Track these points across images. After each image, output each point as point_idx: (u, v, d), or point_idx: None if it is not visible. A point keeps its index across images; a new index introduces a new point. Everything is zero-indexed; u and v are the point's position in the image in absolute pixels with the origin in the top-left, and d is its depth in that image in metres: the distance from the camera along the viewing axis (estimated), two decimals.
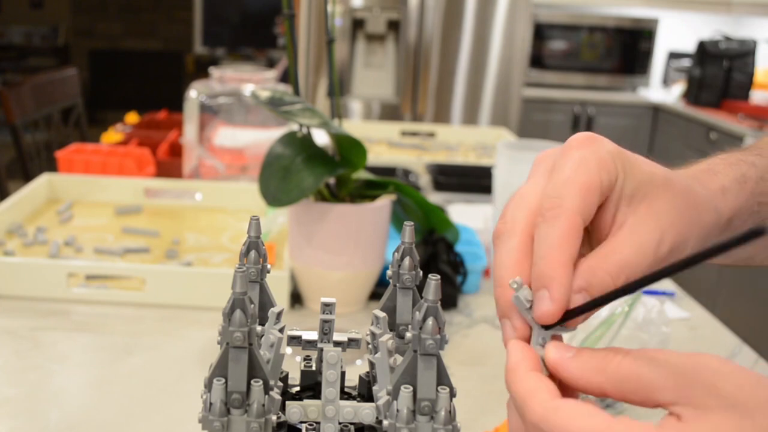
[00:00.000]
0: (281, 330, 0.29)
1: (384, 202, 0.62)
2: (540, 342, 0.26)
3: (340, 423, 0.28)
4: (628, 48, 2.58)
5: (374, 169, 0.68)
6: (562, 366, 0.24)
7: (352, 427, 0.28)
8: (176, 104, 1.26)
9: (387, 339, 0.28)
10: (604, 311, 0.50)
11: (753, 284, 1.81)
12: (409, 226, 0.29)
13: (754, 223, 0.32)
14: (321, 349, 0.30)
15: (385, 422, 0.26)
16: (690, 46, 2.67)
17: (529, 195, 0.28)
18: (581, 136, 0.28)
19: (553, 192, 0.26)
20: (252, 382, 0.25)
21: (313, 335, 0.30)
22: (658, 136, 2.52)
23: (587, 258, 0.26)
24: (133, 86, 4.54)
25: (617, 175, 0.27)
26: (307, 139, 0.61)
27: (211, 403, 0.25)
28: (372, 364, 0.29)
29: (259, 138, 0.96)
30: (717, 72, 2.36)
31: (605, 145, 0.27)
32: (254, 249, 0.30)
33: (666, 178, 0.28)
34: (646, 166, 0.28)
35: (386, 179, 0.64)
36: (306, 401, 0.29)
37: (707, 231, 0.29)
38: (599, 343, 0.48)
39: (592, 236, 0.28)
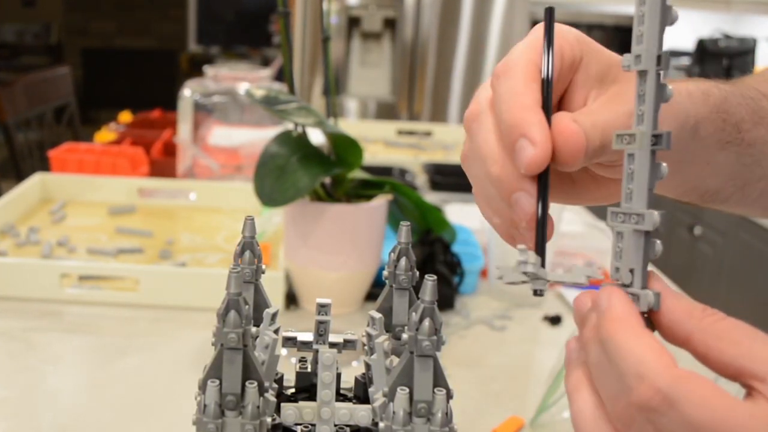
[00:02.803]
0: (276, 331, 0.29)
1: (380, 202, 0.62)
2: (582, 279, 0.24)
3: (335, 425, 0.28)
4: (627, 46, 2.55)
5: (370, 169, 0.67)
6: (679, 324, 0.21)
7: (347, 429, 0.28)
8: (170, 103, 1.25)
9: (383, 340, 0.28)
10: None
11: (752, 284, 1.82)
12: (405, 226, 0.29)
13: (719, 139, 0.30)
14: (316, 351, 0.30)
15: (381, 424, 0.26)
16: (689, 44, 2.68)
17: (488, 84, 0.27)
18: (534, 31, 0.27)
19: (509, 56, 0.26)
20: (247, 383, 0.25)
21: (308, 336, 0.30)
22: None
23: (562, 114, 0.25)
24: (127, 85, 4.52)
25: (581, 53, 0.27)
26: (303, 139, 0.61)
27: (205, 405, 0.25)
28: (368, 366, 0.29)
29: (254, 137, 0.95)
30: (716, 70, 2.37)
31: (568, 28, 0.27)
32: (249, 249, 0.30)
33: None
34: (612, 54, 0.28)
35: (382, 179, 0.63)
36: (301, 403, 0.29)
37: (677, 126, 0.28)
38: None
39: None
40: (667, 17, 0.23)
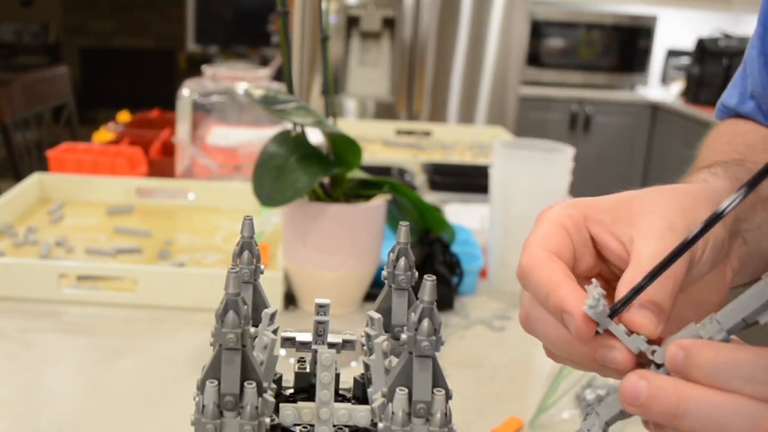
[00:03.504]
0: (275, 331, 0.29)
1: (379, 202, 0.62)
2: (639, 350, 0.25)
3: (334, 425, 0.28)
4: (626, 46, 2.58)
5: (369, 169, 0.67)
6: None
7: (346, 430, 0.28)
8: (169, 103, 1.25)
9: (382, 340, 0.28)
10: None
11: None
12: (404, 226, 0.29)
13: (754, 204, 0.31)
14: (315, 351, 0.29)
15: (380, 425, 0.26)
16: (689, 43, 2.68)
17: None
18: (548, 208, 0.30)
19: (524, 258, 0.29)
20: (245, 384, 0.25)
21: (307, 337, 0.30)
22: (656, 134, 2.53)
23: (622, 276, 0.27)
24: (125, 84, 4.51)
25: (580, 215, 0.28)
26: (302, 138, 0.60)
27: (203, 406, 0.25)
28: (367, 366, 0.29)
29: (253, 137, 0.95)
30: (716, 70, 2.37)
31: (560, 204, 0.29)
32: (247, 249, 0.30)
33: (640, 192, 0.29)
34: (611, 197, 0.29)
35: (381, 179, 0.63)
36: (300, 403, 0.29)
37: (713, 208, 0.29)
38: None
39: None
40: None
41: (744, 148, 0.38)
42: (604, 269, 0.29)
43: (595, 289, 0.25)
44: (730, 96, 0.44)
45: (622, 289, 0.26)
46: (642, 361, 0.25)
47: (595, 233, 0.29)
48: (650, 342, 0.25)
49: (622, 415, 0.25)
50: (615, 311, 0.25)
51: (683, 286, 0.27)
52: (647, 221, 0.27)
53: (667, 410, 0.22)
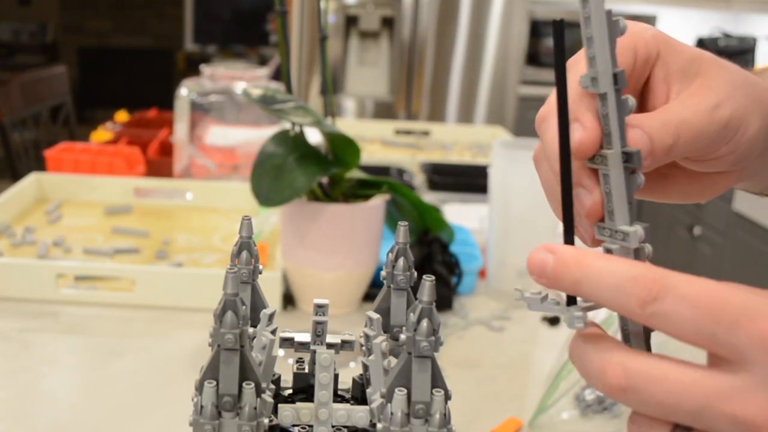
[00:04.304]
0: (273, 332, 0.28)
1: (378, 202, 0.61)
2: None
3: (333, 426, 0.28)
4: None
5: (368, 169, 0.67)
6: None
7: (345, 430, 0.28)
8: (167, 102, 1.25)
9: (381, 341, 0.28)
10: (602, 311, 0.50)
11: (752, 284, 1.82)
12: (403, 227, 0.29)
13: None
14: (314, 352, 0.29)
15: (379, 425, 0.26)
16: (689, 43, 2.67)
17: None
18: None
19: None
20: (244, 384, 0.25)
21: (305, 337, 0.30)
22: None
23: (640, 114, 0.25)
24: (123, 84, 4.51)
25: (657, 49, 0.27)
26: (300, 138, 0.60)
27: (202, 406, 0.25)
28: (366, 367, 0.29)
29: (251, 137, 0.95)
30: None
31: (645, 26, 0.27)
32: (246, 249, 0.30)
33: (716, 59, 0.27)
34: (693, 48, 0.28)
35: (380, 179, 0.63)
36: (299, 404, 0.29)
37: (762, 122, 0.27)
38: None
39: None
40: (615, 33, 0.23)
41: None
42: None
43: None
44: None
45: (634, 119, 0.24)
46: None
47: (654, 74, 0.27)
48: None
49: None
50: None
51: (686, 149, 0.25)
52: (698, 93, 0.26)
53: (571, 280, 0.22)
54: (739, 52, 2.37)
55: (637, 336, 0.24)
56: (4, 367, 0.52)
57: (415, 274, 0.29)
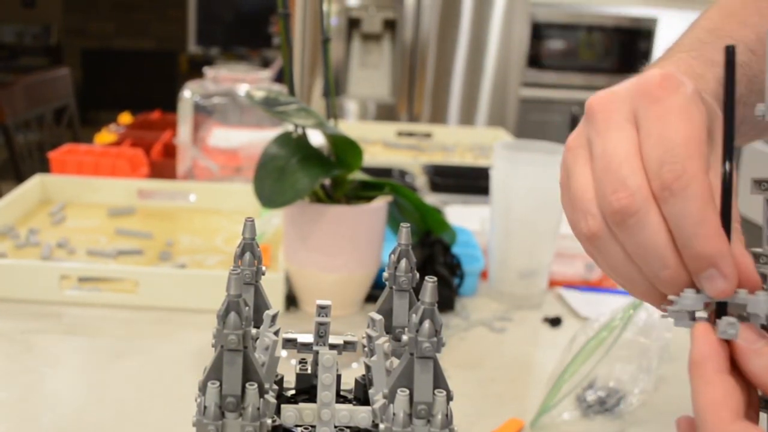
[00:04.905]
0: (276, 333, 0.29)
1: (380, 204, 0.62)
2: (727, 329, 0.23)
3: (335, 426, 0.28)
4: (627, 48, 2.58)
5: (370, 170, 0.67)
6: (744, 358, 0.22)
7: (348, 431, 0.28)
8: (170, 104, 1.26)
9: (383, 342, 0.28)
10: (605, 315, 0.50)
11: None
12: (405, 228, 0.29)
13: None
14: (316, 352, 0.30)
15: (382, 426, 0.26)
16: None
17: (630, 154, 0.24)
18: (657, 77, 0.25)
19: (666, 156, 0.23)
20: (247, 385, 0.25)
21: (308, 338, 0.30)
22: None
23: None
24: (126, 86, 4.52)
25: (711, 119, 0.25)
26: (303, 140, 0.61)
27: (205, 407, 0.25)
28: (368, 367, 0.29)
29: (254, 139, 0.95)
30: None
31: (688, 86, 0.25)
32: (249, 251, 0.30)
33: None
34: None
35: (382, 180, 0.63)
36: (301, 405, 0.29)
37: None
38: (600, 347, 0.48)
39: None
40: None
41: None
42: None
43: None
44: None
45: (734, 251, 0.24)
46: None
47: None
48: None
49: None
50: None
51: None
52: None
53: None
54: None
55: None
56: (7, 368, 0.52)
57: (417, 275, 0.29)
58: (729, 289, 0.23)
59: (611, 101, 0.26)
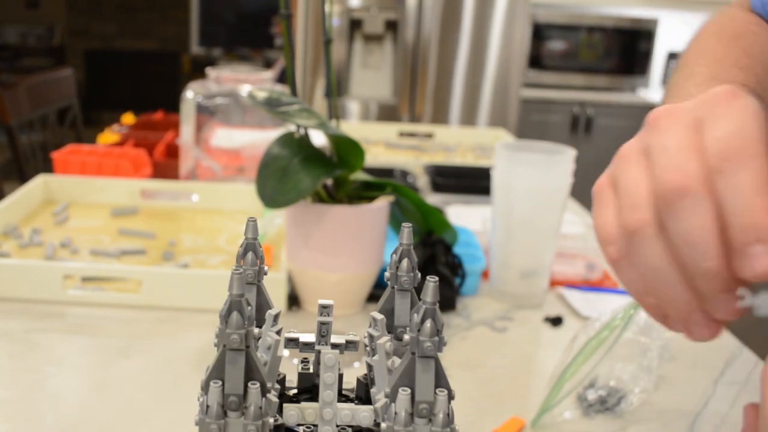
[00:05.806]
0: (278, 332, 0.29)
1: (382, 204, 0.62)
2: None
3: (337, 426, 0.28)
4: (627, 48, 2.58)
5: (372, 171, 0.68)
6: None
7: (349, 430, 0.28)
8: (172, 105, 1.26)
9: (385, 341, 0.28)
10: (606, 315, 0.50)
11: None
12: (407, 228, 0.29)
13: None
14: (318, 352, 0.30)
15: (383, 425, 0.26)
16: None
17: (688, 144, 0.23)
18: (723, 89, 0.24)
19: (724, 142, 0.23)
20: (249, 384, 0.25)
21: (310, 337, 0.30)
22: None
23: None
24: (129, 87, 4.53)
25: None
26: (305, 140, 0.61)
27: (207, 406, 0.25)
28: (370, 367, 0.29)
29: (256, 139, 0.95)
30: None
31: (753, 99, 0.24)
32: (251, 250, 0.30)
33: None
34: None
35: (384, 180, 0.64)
36: (303, 404, 0.29)
37: None
38: (601, 346, 0.48)
39: None
40: None
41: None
42: None
43: None
44: None
45: None
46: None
47: None
48: None
49: None
50: None
51: None
52: None
53: None
54: None
55: None
56: (11, 368, 0.52)
57: (419, 275, 0.30)
58: None
59: (676, 109, 0.26)
